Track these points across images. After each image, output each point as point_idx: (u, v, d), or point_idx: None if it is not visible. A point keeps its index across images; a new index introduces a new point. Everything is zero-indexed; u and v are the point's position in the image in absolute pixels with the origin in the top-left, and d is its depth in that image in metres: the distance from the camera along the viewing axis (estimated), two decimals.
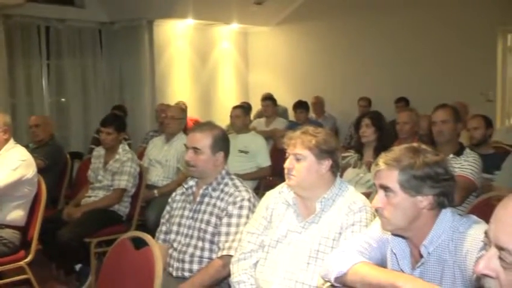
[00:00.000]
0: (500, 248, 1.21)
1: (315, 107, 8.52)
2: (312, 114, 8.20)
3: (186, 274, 3.04)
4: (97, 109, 8.56)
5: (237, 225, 2.97)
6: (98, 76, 8.78)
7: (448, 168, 1.99)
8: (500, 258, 1.21)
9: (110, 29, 8.79)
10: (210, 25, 9.52)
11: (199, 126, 3.35)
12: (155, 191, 5.26)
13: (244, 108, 6.31)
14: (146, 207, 5.10)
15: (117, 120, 5.14)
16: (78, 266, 4.69)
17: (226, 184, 3.15)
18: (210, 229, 3.04)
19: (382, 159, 1.99)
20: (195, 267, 3.03)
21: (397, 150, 2.00)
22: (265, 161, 5.72)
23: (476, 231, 1.86)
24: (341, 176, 4.19)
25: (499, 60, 8.34)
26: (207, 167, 3.15)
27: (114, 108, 7.60)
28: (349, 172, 4.27)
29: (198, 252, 3.05)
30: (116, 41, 8.79)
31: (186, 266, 3.06)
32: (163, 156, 5.57)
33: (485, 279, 1.24)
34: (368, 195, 3.30)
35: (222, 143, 3.19)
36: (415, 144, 2.04)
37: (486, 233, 1.26)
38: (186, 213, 3.17)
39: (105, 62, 8.85)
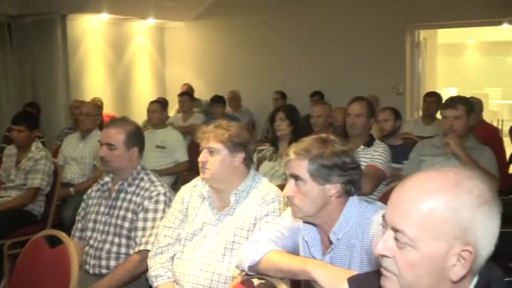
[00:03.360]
0: (395, 230, 1.30)
1: (231, 102, 8.56)
2: (228, 109, 8.24)
3: (103, 271, 3.01)
4: (8, 106, 8.22)
5: (154, 219, 2.98)
6: (8, 72, 8.43)
7: (354, 158, 2.09)
8: (395, 239, 1.30)
9: (21, 23, 8.44)
10: (125, 20, 9.38)
11: (112, 122, 3.33)
12: (71, 189, 5.16)
13: (161, 103, 6.29)
14: (62, 206, 5.00)
15: (29, 117, 4.99)
16: None
17: (141, 179, 3.14)
18: (127, 225, 3.04)
19: (292, 150, 2.07)
20: (112, 263, 3.02)
21: (306, 140, 2.08)
22: (182, 156, 5.72)
23: (381, 216, 1.96)
24: (257, 169, 4.29)
25: (407, 56, 8.70)
26: (122, 162, 3.13)
27: (26, 105, 7.35)
28: (265, 165, 4.35)
29: (114, 249, 3.04)
30: (27, 35, 8.46)
31: (103, 262, 3.04)
32: (78, 154, 5.47)
33: (383, 259, 1.33)
34: (283, 187, 3.37)
35: (136, 138, 3.18)
36: (323, 135, 2.13)
37: (383, 216, 1.35)
38: (102, 209, 3.14)
39: (16, 57, 8.51)
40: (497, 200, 1.29)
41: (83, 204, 3.30)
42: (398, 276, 1.30)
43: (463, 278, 1.27)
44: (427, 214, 1.25)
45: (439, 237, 1.24)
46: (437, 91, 8.67)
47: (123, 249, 3.03)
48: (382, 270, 1.34)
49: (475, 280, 1.31)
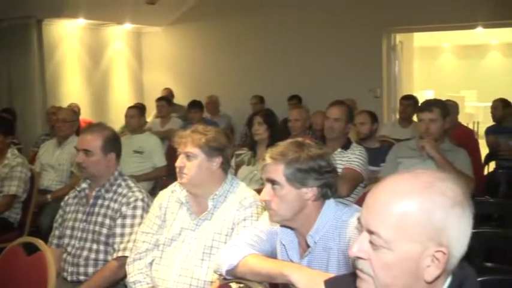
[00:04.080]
0: (370, 232, 1.31)
1: (209, 107, 8.55)
2: (206, 114, 8.23)
3: (82, 278, 3.00)
4: None
5: (132, 225, 2.97)
6: None
7: (330, 161, 2.10)
8: (370, 241, 1.31)
9: None
10: (102, 25, 9.34)
11: (89, 127, 3.31)
12: (48, 196, 5.10)
13: (138, 108, 6.26)
14: (39, 213, 4.94)
15: (4, 123, 4.94)
16: None
17: (119, 185, 3.13)
18: (105, 231, 3.02)
19: (268, 154, 2.08)
20: (91, 270, 3.00)
21: (282, 145, 2.10)
22: (160, 161, 5.72)
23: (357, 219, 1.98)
24: (235, 173, 4.29)
25: (384, 59, 8.78)
26: (99, 168, 3.12)
27: (1, 111, 7.27)
28: (243, 169, 4.36)
29: (93, 255, 3.02)
30: (3, 40, 8.36)
31: (81, 269, 3.02)
32: (55, 160, 5.42)
33: (358, 261, 1.34)
34: (262, 191, 3.38)
35: (113, 143, 3.16)
36: (299, 139, 2.15)
37: (358, 219, 1.36)
38: (80, 216, 3.12)
39: None
40: (470, 201, 1.32)
41: (60, 211, 3.27)
42: (374, 278, 1.31)
43: (437, 278, 1.29)
44: (401, 216, 1.27)
45: (413, 239, 1.26)
46: (414, 94, 8.79)
47: (101, 256, 3.02)
48: (358, 272, 1.35)
49: (448, 280, 1.34)
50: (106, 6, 8.50)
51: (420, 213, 1.26)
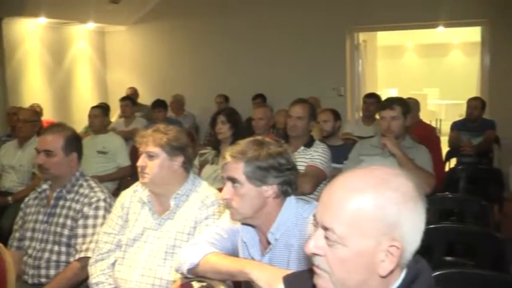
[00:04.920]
0: (325, 228, 1.33)
1: (174, 106, 8.52)
2: (171, 113, 8.19)
3: (43, 280, 2.96)
4: None
5: (94, 226, 2.95)
6: None
7: (290, 159, 2.12)
8: (326, 237, 1.33)
9: None
10: (64, 24, 9.20)
11: (49, 128, 3.26)
12: (9, 198, 5.03)
13: (102, 108, 6.21)
14: (0, 215, 4.87)
15: None
16: None
17: (81, 185, 3.10)
18: (66, 232, 2.99)
19: (228, 153, 2.09)
20: (52, 272, 2.97)
21: (242, 143, 2.11)
22: (124, 161, 5.69)
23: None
24: (199, 172, 4.29)
25: (347, 58, 8.85)
26: (61, 169, 3.09)
27: None
28: (207, 169, 4.35)
29: (54, 257, 2.99)
30: None
31: (43, 272, 2.99)
32: (16, 161, 5.34)
33: (314, 258, 1.36)
34: None
35: (74, 143, 3.14)
36: (259, 137, 2.16)
37: (314, 215, 1.38)
38: (41, 217, 3.09)
39: None
40: (423, 196, 1.35)
41: (20, 213, 3.23)
42: (330, 274, 1.33)
43: (391, 272, 1.31)
44: (355, 212, 1.29)
45: (367, 234, 1.28)
46: (378, 92, 8.90)
47: (63, 257, 2.99)
48: (315, 269, 1.37)
49: (403, 274, 1.36)
50: (68, 5, 8.38)
51: (373, 209, 1.28)
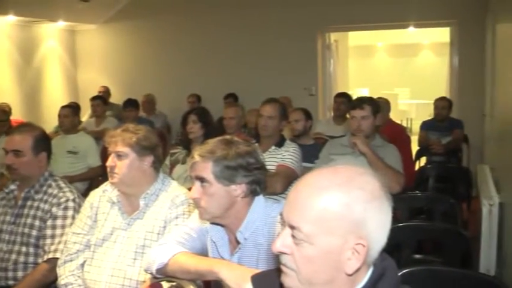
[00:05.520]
0: (292, 227, 1.34)
1: (146, 105, 8.47)
2: (142, 113, 8.14)
3: (10, 283, 2.92)
4: None
5: (62, 226, 2.93)
6: None
7: (258, 158, 2.13)
8: (292, 236, 1.34)
9: None
10: (34, 22, 9.07)
11: (17, 128, 3.24)
12: None
13: (72, 108, 6.14)
14: None
15: None
16: None
17: (49, 186, 3.07)
18: (34, 233, 2.96)
19: (197, 152, 2.08)
20: (20, 274, 2.92)
21: (211, 142, 2.11)
22: (95, 161, 5.64)
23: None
24: (170, 172, 4.28)
25: (319, 58, 8.89)
26: (30, 169, 3.06)
27: None
28: (178, 168, 4.34)
29: (22, 258, 2.95)
30: None
31: (10, 274, 2.94)
32: None
33: (281, 256, 1.37)
34: None
35: (43, 143, 3.11)
36: (228, 137, 2.16)
37: (281, 214, 1.39)
38: (8, 218, 3.04)
39: None
40: (388, 194, 1.36)
41: None
42: (297, 272, 1.34)
43: (357, 270, 1.32)
44: (321, 211, 1.30)
45: (333, 233, 1.29)
46: (350, 92, 8.97)
47: (31, 259, 2.95)
48: (282, 267, 1.38)
49: (370, 272, 1.37)
50: (38, 3, 8.26)
51: (339, 208, 1.29)
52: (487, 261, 4.00)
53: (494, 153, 5.52)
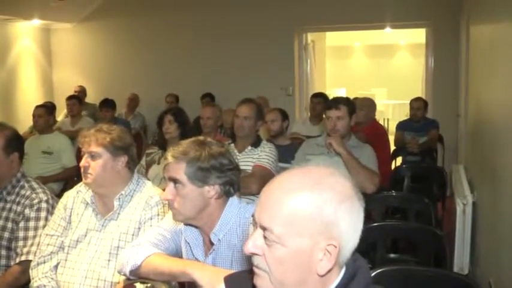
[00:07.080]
0: (263, 228, 1.34)
1: (132, 104, 8.45)
2: (121, 112, 8.09)
3: None
4: None
5: (35, 228, 2.88)
6: None
7: (232, 159, 2.12)
8: (264, 237, 1.34)
9: None
10: (7, 20, 8.94)
11: None
12: None
13: (47, 107, 6.08)
14: None
15: None
16: None
17: (22, 187, 3.02)
18: (7, 235, 2.91)
19: (170, 153, 2.08)
20: None
21: (184, 143, 2.10)
22: (70, 162, 5.59)
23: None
24: (146, 172, 4.25)
25: (296, 58, 8.90)
26: (2, 170, 3.00)
27: None
28: (154, 169, 4.30)
29: None
30: None
31: None
32: None
33: (254, 257, 1.37)
34: None
35: (15, 143, 3.05)
36: (201, 138, 2.15)
37: (253, 215, 1.38)
38: None
39: None
40: (360, 194, 1.37)
41: None
42: (269, 273, 1.33)
43: (329, 271, 1.33)
44: (292, 212, 1.30)
45: (304, 234, 1.29)
46: (327, 92, 8.99)
47: (3, 261, 2.90)
48: (254, 269, 1.37)
49: (342, 272, 1.38)
50: (12, 1, 8.16)
51: (310, 209, 1.29)
52: (460, 259, 4.05)
53: (468, 153, 5.58)
